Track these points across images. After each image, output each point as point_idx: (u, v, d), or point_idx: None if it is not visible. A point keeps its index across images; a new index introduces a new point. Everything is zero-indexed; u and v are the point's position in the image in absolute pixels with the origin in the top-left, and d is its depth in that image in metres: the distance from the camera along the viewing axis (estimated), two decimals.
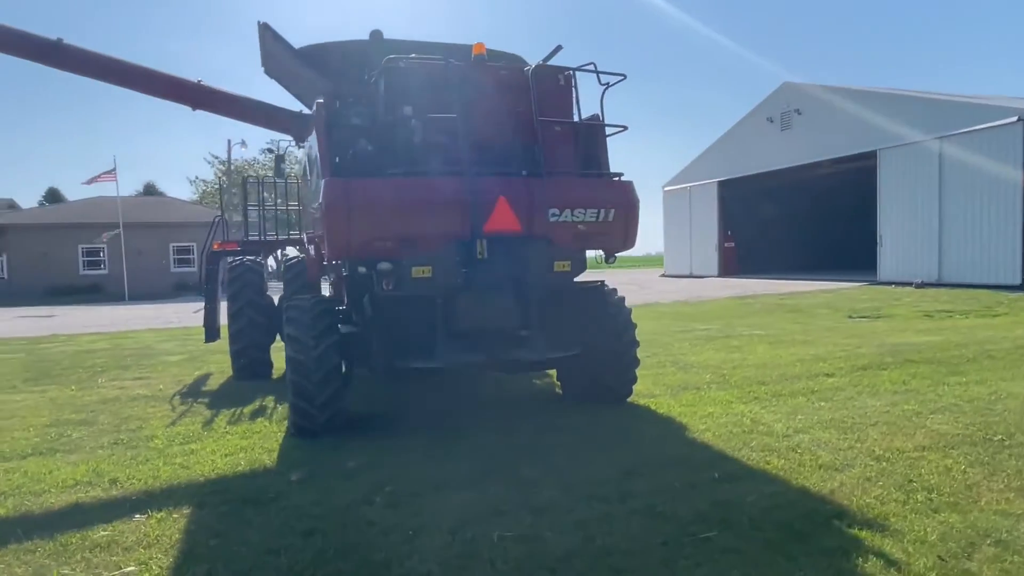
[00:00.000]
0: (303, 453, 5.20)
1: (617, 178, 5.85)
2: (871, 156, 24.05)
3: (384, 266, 5.20)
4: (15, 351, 12.77)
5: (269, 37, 6.68)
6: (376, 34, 5.76)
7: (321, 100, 5.54)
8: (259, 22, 6.79)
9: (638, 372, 6.53)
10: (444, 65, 5.29)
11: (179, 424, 6.35)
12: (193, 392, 8.05)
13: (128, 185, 77.04)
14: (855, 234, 30.98)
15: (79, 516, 4.02)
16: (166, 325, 17.41)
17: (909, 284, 21.59)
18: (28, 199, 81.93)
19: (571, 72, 6.21)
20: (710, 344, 10.47)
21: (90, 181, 29.51)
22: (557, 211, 5.36)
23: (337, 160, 5.39)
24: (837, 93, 26.01)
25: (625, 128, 6.00)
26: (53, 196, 60.40)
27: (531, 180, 5.34)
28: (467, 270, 5.27)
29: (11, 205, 45.71)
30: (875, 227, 24.21)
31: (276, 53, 6.78)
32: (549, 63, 6.10)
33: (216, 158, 55.70)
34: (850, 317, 13.88)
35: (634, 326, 6.43)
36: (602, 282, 6.20)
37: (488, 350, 5.55)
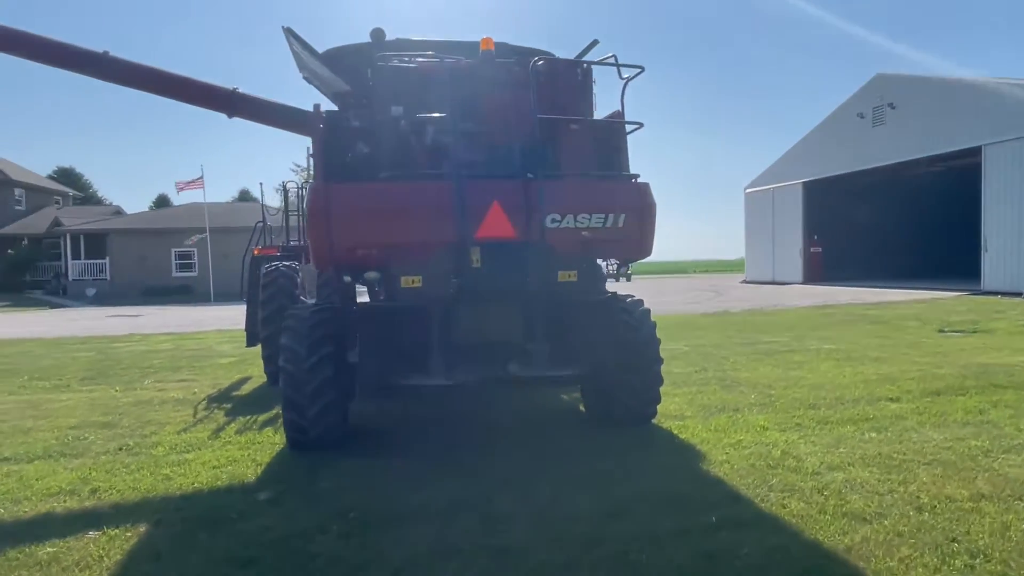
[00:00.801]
0: (286, 468, 5.00)
1: (634, 179, 5.34)
2: (975, 152, 21.93)
3: (372, 275, 4.93)
4: (90, 349, 13.47)
5: (293, 41, 6.59)
6: (377, 33, 5.51)
7: (319, 104, 5.35)
8: (283, 27, 6.72)
9: (675, 390, 5.98)
10: (438, 63, 4.96)
11: (191, 431, 6.33)
12: (223, 397, 8.09)
13: (226, 193, 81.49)
14: (956, 239, 28.43)
15: (40, 529, 3.95)
16: (233, 326, 18.02)
17: (1017, 294, 19.47)
18: (142, 205, 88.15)
19: (588, 66, 5.77)
20: (769, 359, 9.63)
21: (180, 189, 31.25)
22: (558, 216, 4.91)
23: (332, 164, 5.16)
24: (936, 84, 23.92)
25: (641, 125, 5.47)
26: (162, 202, 64.64)
27: (530, 183, 4.92)
28: (459, 280, 4.92)
29: (117, 211, 49.24)
30: (978, 230, 22.04)
31: (302, 56, 6.70)
32: (566, 58, 5.68)
33: (299, 167, 57.90)
34: (941, 331, 12.52)
35: (657, 341, 5.87)
36: (614, 293, 5.70)
37: (487, 367, 5.18)
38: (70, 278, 37.13)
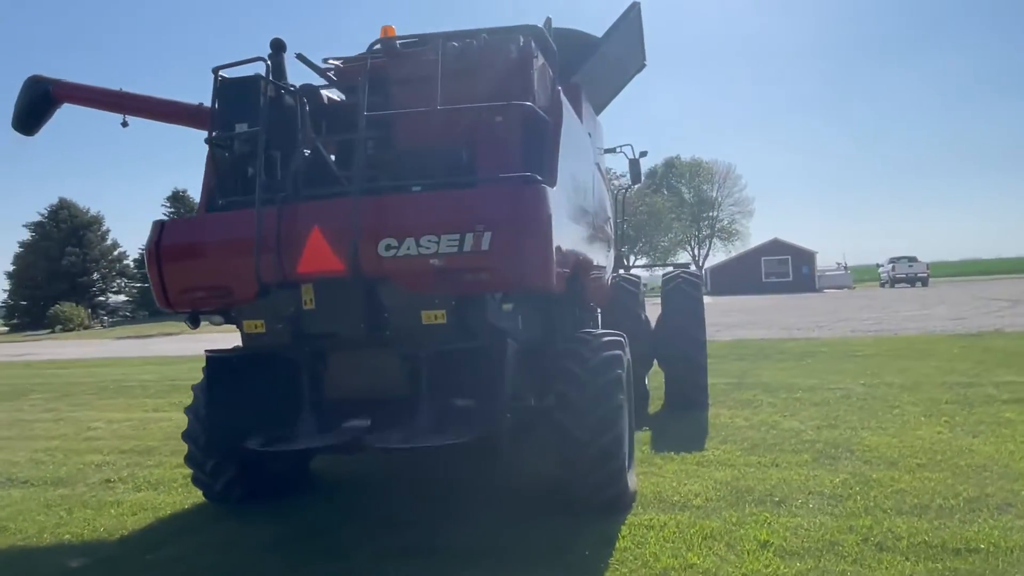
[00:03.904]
0: (203, 519, 4.75)
1: (525, 184, 3.88)
2: None
3: (216, 320, 4.31)
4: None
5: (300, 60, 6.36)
6: (277, 43, 4.86)
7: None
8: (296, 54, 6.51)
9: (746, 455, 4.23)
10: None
11: (164, 467, 6.29)
12: None
13: None
14: None
15: None
16: None
17: None
18: None
19: (528, 41, 4.45)
20: (928, 413, 6.67)
21: None
22: (394, 241, 3.72)
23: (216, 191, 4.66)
24: None
25: (552, 120, 3.99)
26: None
27: (364, 201, 3.82)
28: (288, 326, 4.03)
29: None
30: None
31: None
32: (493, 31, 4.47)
33: None
34: None
35: (619, 402, 4.21)
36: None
37: (353, 430, 4.20)
38: None
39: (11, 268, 54.19)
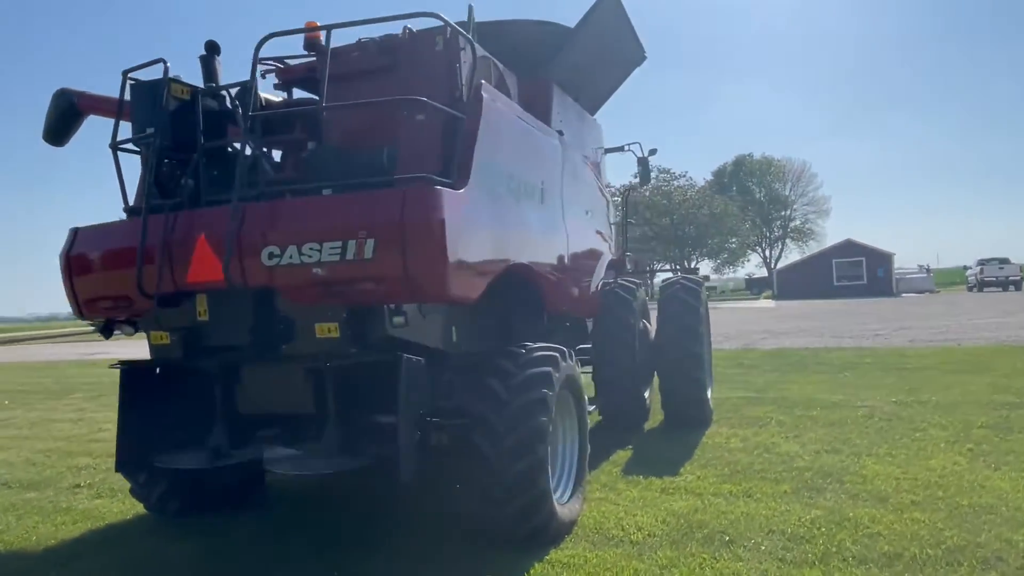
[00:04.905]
0: (132, 532, 4.69)
1: (417, 186, 3.55)
2: None
3: (127, 330, 4.18)
4: None
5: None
6: (211, 45, 4.71)
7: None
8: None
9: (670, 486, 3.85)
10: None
11: None
12: None
13: None
14: None
15: None
16: None
17: None
18: None
19: (452, 33, 4.16)
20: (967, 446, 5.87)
21: None
22: (277, 249, 3.47)
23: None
24: None
25: (463, 116, 3.65)
26: None
27: (245, 208, 3.59)
28: (187, 338, 3.84)
29: None
30: None
31: None
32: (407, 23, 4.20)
33: None
34: None
35: (538, 423, 3.81)
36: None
37: (256, 450, 3.98)
38: None
39: None
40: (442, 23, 3.90)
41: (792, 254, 64.54)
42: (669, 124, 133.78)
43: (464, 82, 4.18)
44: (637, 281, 7.34)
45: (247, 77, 3.94)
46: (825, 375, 10.14)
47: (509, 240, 4.33)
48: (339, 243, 3.36)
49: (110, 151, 4.04)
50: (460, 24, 4.33)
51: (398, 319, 3.52)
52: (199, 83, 4.33)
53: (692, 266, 53.13)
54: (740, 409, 7.76)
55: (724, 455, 5.81)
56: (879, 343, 14.28)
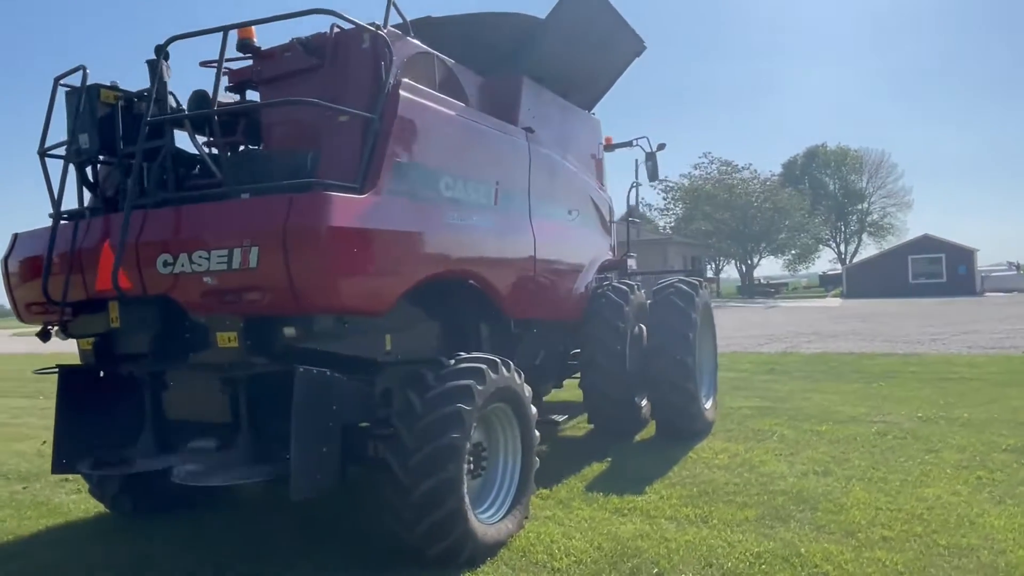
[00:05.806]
0: (79, 533, 4.71)
1: (314, 190, 3.40)
2: None
3: (61, 335, 4.22)
4: None
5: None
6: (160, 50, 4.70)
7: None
8: None
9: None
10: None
11: None
12: None
13: None
14: None
15: None
16: None
17: None
18: None
19: (379, 29, 4.01)
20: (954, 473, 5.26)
21: None
22: (170, 257, 3.39)
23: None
24: None
25: (371, 116, 3.48)
26: None
27: (149, 214, 3.53)
28: (104, 344, 3.84)
29: None
30: None
31: None
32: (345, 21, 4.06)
33: None
34: None
35: (449, 440, 3.60)
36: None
37: (172, 459, 3.95)
38: None
39: None
40: (340, 19, 3.73)
41: (869, 250, 61.24)
42: (733, 113, 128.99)
43: (390, 81, 4.00)
44: (632, 283, 6.97)
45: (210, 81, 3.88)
46: (858, 384, 9.45)
47: (440, 244, 4.13)
48: (225, 251, 3.26)
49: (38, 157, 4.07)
50: (396, 21, 4.17)
51: (289, 330, 3.38)
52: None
53: (754, 263, 51.13)
54: (746, 421, 7.29)
55: (702, 472, 5.44)
56: (933, 348, 13.26)
